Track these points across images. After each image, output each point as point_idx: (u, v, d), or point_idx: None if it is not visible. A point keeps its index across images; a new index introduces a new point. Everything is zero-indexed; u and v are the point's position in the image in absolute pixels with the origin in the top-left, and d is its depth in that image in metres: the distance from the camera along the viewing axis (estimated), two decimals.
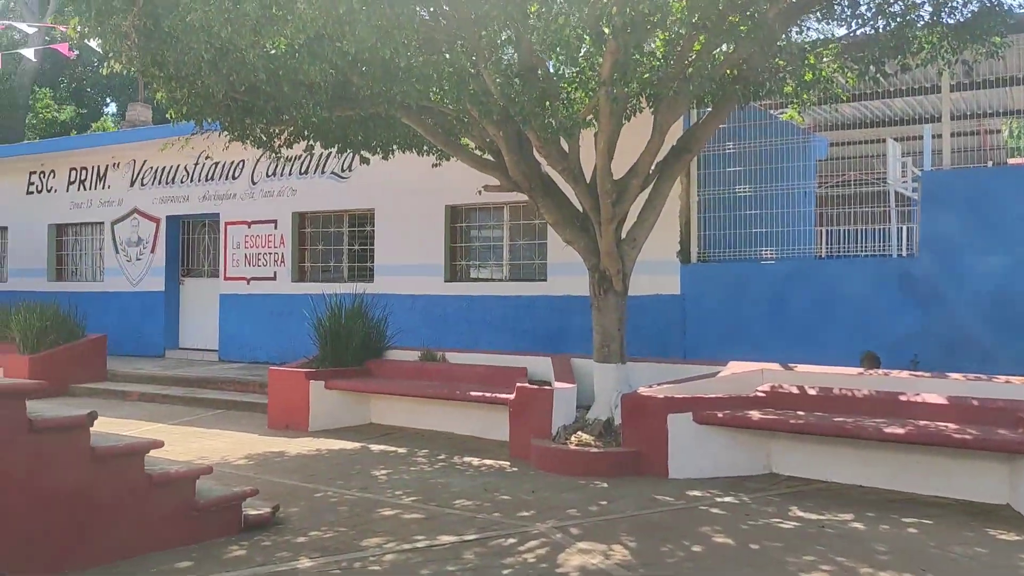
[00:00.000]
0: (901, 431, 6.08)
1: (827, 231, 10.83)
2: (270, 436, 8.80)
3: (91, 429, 4.73)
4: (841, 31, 7.76)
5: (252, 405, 10.30)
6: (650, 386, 7.29)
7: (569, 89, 6.99)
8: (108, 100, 34.11)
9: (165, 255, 14.64)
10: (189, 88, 6.71)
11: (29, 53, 14.87)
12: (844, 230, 10.31)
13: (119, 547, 4.64)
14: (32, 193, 16.47)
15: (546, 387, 7.78)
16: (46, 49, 18.10)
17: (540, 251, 11.31)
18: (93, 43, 6.87)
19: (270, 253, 13.42)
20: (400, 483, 6.71)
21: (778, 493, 6.31)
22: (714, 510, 5.85)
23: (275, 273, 13.36)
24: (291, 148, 8.16)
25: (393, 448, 8.12)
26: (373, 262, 12.57)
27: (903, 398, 6.62)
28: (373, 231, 12.61)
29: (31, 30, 15.70)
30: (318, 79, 6.10)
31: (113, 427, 9.30)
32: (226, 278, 13.89)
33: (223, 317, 13.86)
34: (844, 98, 9.44)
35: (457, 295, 11.71)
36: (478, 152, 8.20)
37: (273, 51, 6.08)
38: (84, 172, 15.72)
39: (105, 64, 6.68)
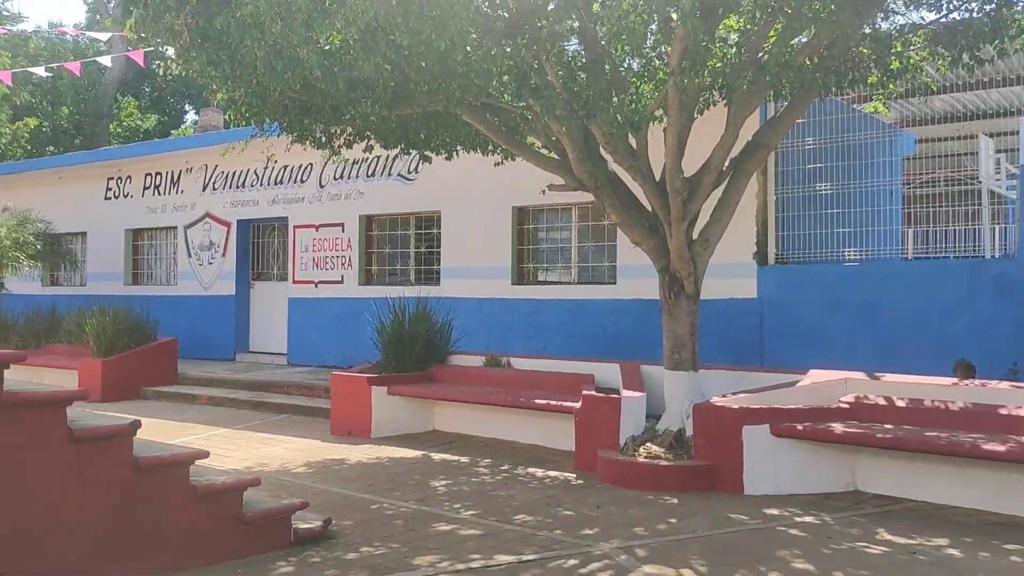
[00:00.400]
0: (1002, 448, 5.55)
1: (915, 231, 10.21)
2: (332, 443, 8.64)
3: (136, 437, 4.57)
4: (931, 15, 7.23)
5: (317, 410, 10.19)
6: (724, 395, 6.89)
7: (637, 82, 6.62)
8: (188, 107, 34.88)
9: (236, 259, 14.73)
10: (246, 88, 6.58)
11: (106, 60, 15.16)
12: (933, 230, 9.68)
13: (162, 561, 4.46)
14: (110, 199, 16.79)
15: (613, 395, 7.43)
16: (129, 59, 18.50)
17: (609, 253, 10.95)
18: (157, 46, 6.78)
19: (337, 256, 13.35)
20: (459, 495, 6.45)
21: (864, 513, 5.84)
22: (793, 531, 5.42)
23: (342, 276, 13.28)
24: (351, 148, 7.98)
25: (455, 457, 7.87)
26: (439, 265, 12.37)
27: (1003, 411, 6.08)
28: (439, 233, 12.41)
29: (104, 37, 16.01)
30: (373, 75, 5.88)
31: (179, 431, 9.31)
32: (294, 281, 13.88)
33: (292, 321, 13.85)
34: (934, 88, 8.84)
35: (524, 298, 11.42)
36: (543, 151, 7.89)
37: (328, 47, 5.89)
38: (159, 177, 15.95)
39: (162, 65, 6.60)
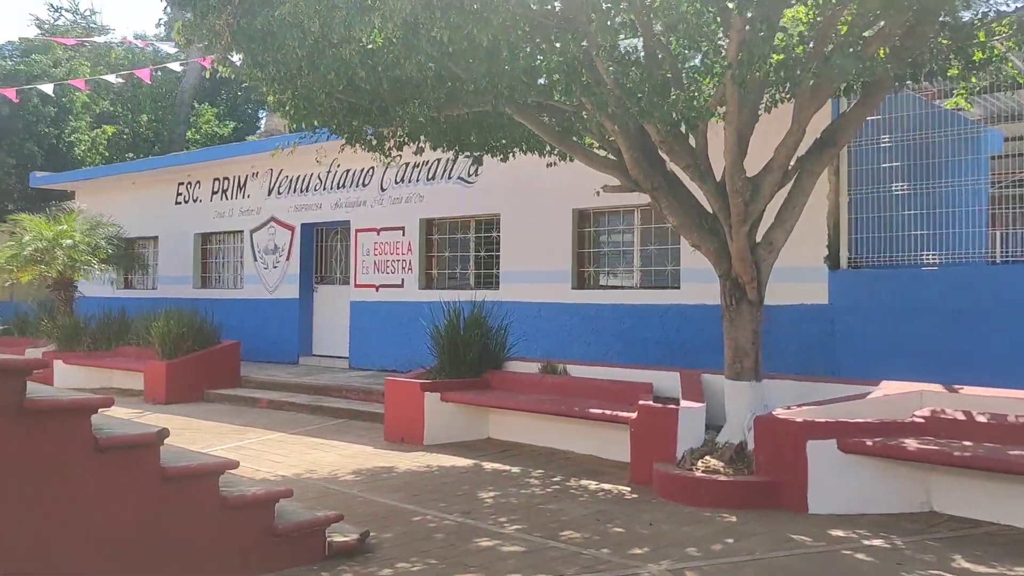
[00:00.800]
0: None
1: (1002, 233, 9.58)
2: (384, 450, 8.50)
3: (168, 446, 4.45)
4: (1017, 3, 6.73)
5: (373, 415, 10.07)
6: (788, 407, 6.50)
7: (698, 77, 6.28)
8: (262, 114, 35.44)
9: (299, 262, 14.79)
10: (292, 90, 6.48)
11: (175, 67, 15.43)
12: (1023, 232, 9.06)
13: (190, 574, 4.34)
14: (180, 203, 17.07)
15: (671, 405, 7.10)
16: (204, 67, 18.83)
17: (673, 256, 10.59)
18: (203, 49, 6.72)
19: (398, 260, 13.27)
20: (506, 508, 6.21)
21: (938, 537, 5.40)
22: (860, 555, 5.04)
23: (403, 280, 13.20)
24: (401, 151, 7.83)
25: (507, 467, 7.63)
26: (499, 269, 12.17)
27: None
28: (499, 236, 12.21)
29: (173, 49, 16.32)
30: (415, 73, 5.70)
31: (236, 435, 9.32)
32: (356, 285, 13.86)
33: (353, 324, 13.83)
34: (1021, 81, 8.26)
35: (584, 303, 11.14)
36: (600, 151, 7.61)
37: (370, 46, 5.73)
38: (226, 182, 16.15)
39: (209, 67, 6.56)
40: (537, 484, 7.01)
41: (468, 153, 8.08)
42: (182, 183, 16.98)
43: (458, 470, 7.55)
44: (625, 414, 7.32)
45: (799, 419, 6.22)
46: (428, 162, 12.76)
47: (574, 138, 7.52)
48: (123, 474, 4.17)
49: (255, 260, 15.47)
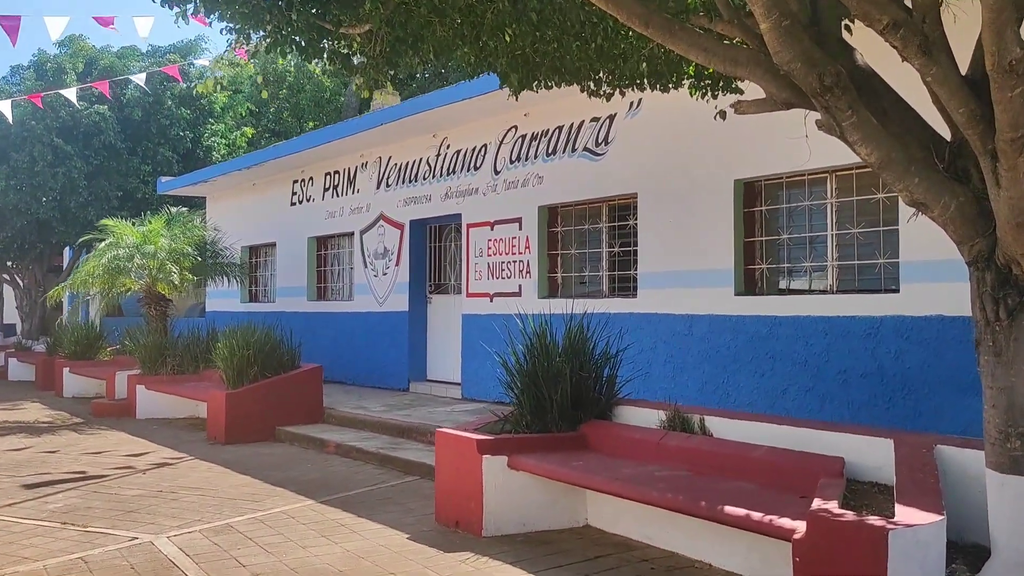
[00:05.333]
0: None
1: None
2: (419, 544, 5.55)
3: None
4: None
5: None
6: None
7: None
8: None
9: (410, 268, 12.17)
10: None
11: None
12: None
13: None
14: (295, 204, 15.03)
15: (872, 519, 3.66)
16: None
17: (888, 243, 6.98)
18: None
19: (515, 261, 10.33)
20: None
21: None
22: None
23: (519, 287, 10.24)
24: (395, 69, 4.86)
25: None
26: (636, 269, 8.94)
27: None
28: (636, 225, 8.98)
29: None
30: None
31: (247, 503, 6.83)
32: (468, 294, 11.05)
33: (465, 343, 11.02)
34: None
35: (754, 315, 7.71)
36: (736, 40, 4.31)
37: None
38: (336, 176, 13.89)
39: None
40: None
41: (500, 74, 4.89)
42: (296, 181, 14.92)
43: None
44: (786, 524, 3.97)
45: None
46: (547, 132, 9.78)
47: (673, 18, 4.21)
48: None
49: (365, 267, 13.05)
